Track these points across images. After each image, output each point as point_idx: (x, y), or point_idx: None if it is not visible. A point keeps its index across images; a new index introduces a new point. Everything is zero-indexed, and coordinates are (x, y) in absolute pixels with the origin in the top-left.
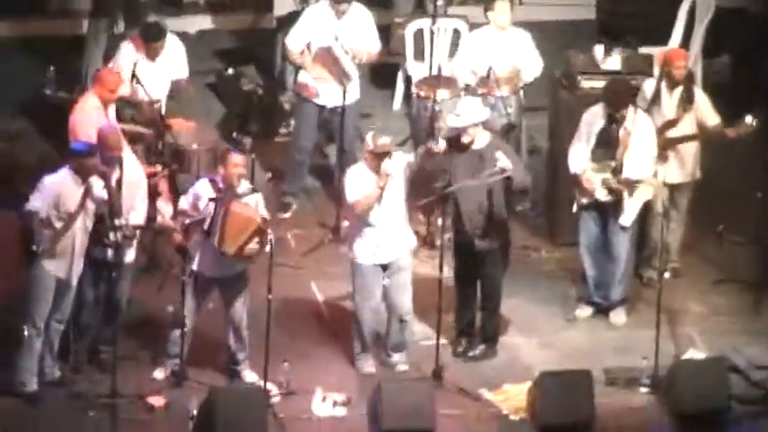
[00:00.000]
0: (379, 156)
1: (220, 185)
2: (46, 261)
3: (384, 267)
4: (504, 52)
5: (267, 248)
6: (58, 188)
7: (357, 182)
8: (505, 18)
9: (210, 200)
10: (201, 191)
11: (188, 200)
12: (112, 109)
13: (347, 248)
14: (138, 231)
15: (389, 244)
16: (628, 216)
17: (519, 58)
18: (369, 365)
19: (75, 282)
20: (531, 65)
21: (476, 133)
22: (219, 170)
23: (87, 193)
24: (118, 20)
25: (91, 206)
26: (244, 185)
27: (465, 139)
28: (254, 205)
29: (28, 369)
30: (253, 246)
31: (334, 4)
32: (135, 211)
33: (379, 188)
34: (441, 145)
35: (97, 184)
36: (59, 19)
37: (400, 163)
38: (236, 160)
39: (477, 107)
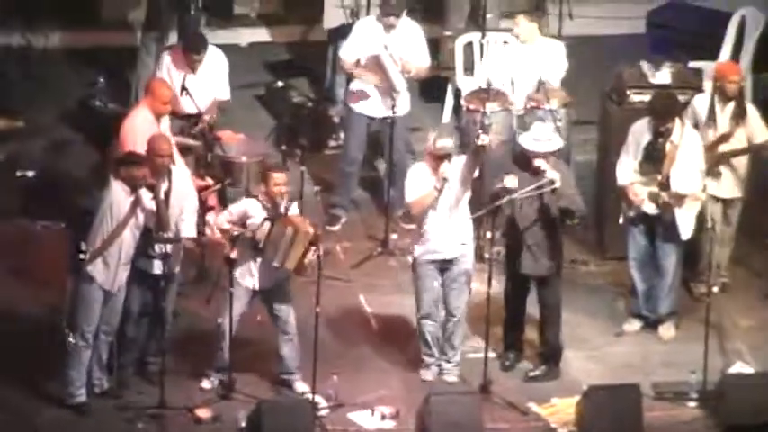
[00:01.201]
0: (439, 158)
1: (268, 204)
2: (94, 272)
3: (441, 270)
4: (527, 66)
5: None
6: (112, 200)
7: (416, 182)
8: (526, 33)
9: (266, 219)
10: (251, 209)
11: (232, 217)
12: (165, 121)
13: (406, 251)
14: (187, 243)
15: (446, 245)
16: (684, 229)
17: (543, 71)
18: (429, 373)
19: (119, 292)
20: (550, 74)
21: (549, 162)
22: (261, 188)
23: (137, 203)
24: (169, 32)
25: (140, 217)
26: (292, 208)
27: (538, 163)
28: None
29: (77, 380)
30: (310, 257)
31: (382, 17)
32: (185, 223)
33: (436, 191)
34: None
35: (146, 195)
36: (111, 30)
37: (458, 166)
38: (278, 179)
39: (554, 136)
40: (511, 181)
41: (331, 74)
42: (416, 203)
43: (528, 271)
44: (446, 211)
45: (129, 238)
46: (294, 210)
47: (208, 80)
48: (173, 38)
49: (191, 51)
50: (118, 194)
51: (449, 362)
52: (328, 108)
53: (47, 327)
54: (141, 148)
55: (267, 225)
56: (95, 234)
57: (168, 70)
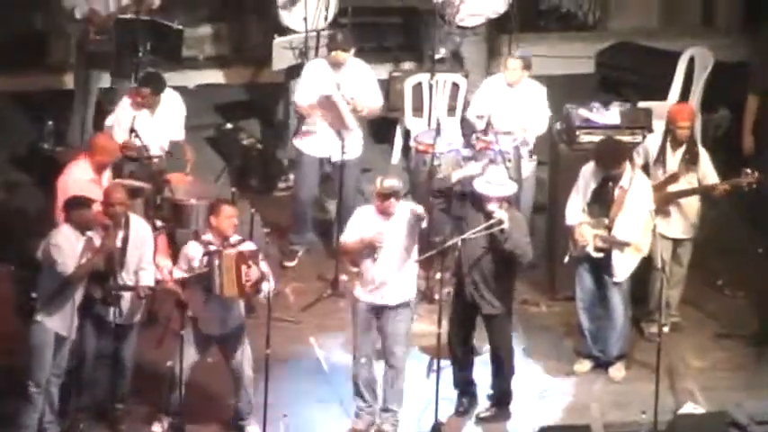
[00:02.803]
0: (385, 196)
1: (210, 240)
2: (45, 318)
3: (379, 316)
4: (510, 106)
5: (267, 285)
6: (59, 243)
7: (356, 225)
8: (513, 75)
9: (205, 254)
10: (192, 252)
11: (181, 267)
12: (107, 173)
13: (347, 295)
14: (145, 291)
15: (385, 289)
16: (620, 272)
17: (526, 113)
18: (360, 422)
19: (73, 336)
20: (536, 122)
21: (502, 206)
22: (212, 221)
23: (88, 246)
24: (104, 73)
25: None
26: (235, 237)
27: (491, 208)
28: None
29: (29, 426)
30: (247, 273)
31: (328, 53)
32: (144, 272)
33: (364, 245)
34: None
35: (97, 238)
36: (58, 73)
37: (404, 212)
38: (229, 212)
39: (507, 180)
40: (500, 212)
41: (282, 116)
42: (346, 246)
43: (475, 308)
44: (391, 259)
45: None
46: (248, 246)
47: (164, 122)
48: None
49: (151, 90)
50: (68, 238)
51: (387, 411)
52: (278, 149)
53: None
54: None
55: (205, 260)
56: (44, 279)
57: (124, 110)
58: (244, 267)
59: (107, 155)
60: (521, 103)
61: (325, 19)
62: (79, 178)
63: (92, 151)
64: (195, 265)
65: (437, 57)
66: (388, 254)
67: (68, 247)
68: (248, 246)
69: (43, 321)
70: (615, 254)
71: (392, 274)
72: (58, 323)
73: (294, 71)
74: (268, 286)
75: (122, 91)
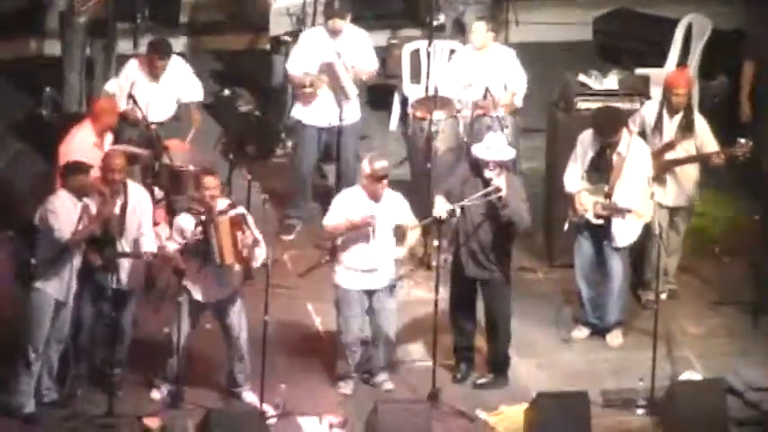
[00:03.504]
0: (378, 179)
1: (199, 209)
2: (44, 283)
3: (369, 293)
4: (485, 72)
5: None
6: (56, 208)
7: (341, 207)
8: (479, 38)
9: (198, 224)
10: (184, 223)
11: (175, 238)
12: (109, 137)
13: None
14: (147, 258)
15: (375, 272)
16: (622, 238)
17: (502, 77)
18: (347, 387)
19: (71, 301)
20: (515, 83)
21: (501, 171)
22: (196, 194)
23: (84, 211)
24: (116, 41)
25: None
26: (221, 203)
27: (488, 174)
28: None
29: (26, 391)
30: (243, 238)
31: (326, 20)
32: (144, 238)
33: (353, 227)
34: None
35: (94, 205)
36: (57, 39)
37: (391, 194)
38: (209, 183)
39: (506, 146)
40: (440, 208)
41: (279, 82)
42: (330, 228)
43: (473, 274)
44: (381, 242)
45: (77, 247)
46: (237, 212)
47: (170, 88)
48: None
49: (156, 56)
50: (64, 204)
51: (381, 374)
52: (276, 116)
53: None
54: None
55: (200, 230)
56: (42, 245)
57: (127, 77)
58: (239, 233)
59: (109, 117)
60: (491, 67)
61: None
62: (82, 141)
63: (94, 115)
64: (188, 236)
65: (436, 23)
66: (379, 237)
67: (65, 213)
68: (238, 211)
69: (42, 287)
70: (616, 220)
71: (382, 257)
72: (56, 289)
73: (281, 42)
74: (263, 253)
75: (112, 57)
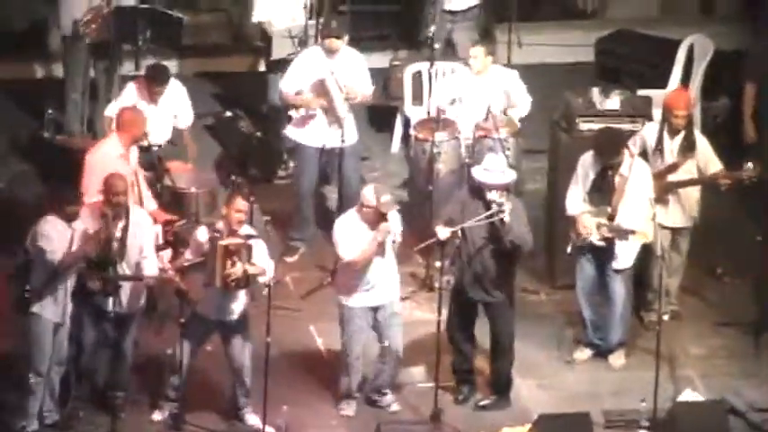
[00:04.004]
0: (383, 215)
1: (218, 227)
2: (40, 307)
3: (374, 313)
4: (484, 94)
5: (260, 277)
6: (44, 233)
7: (350, 236)
8: (478, 63)
9: (207, 241)
10: (201, 237)
11: (192, 251)
12: (134, 150)
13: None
14: (148, 281)
15: (380, 287)
16: (622, 260)
17: (502, 99)
18: (350, 409)
19: (68, 321)
20: (518, 103)
21: (500, 196)
22: (222, 210)
23: (77, 234)
24: (118, 62)
25: (76, 251)
26: (245, 230)
27: (490, 196)
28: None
29: (30, 413)
30: (230, 269)
31: (323, 40)
32: (146, 261)
33: (377, 244)
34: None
35: (85, 225)
36: (59, 61)
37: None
38: (240, 206)
39: (506, 168)
40: (442, 232)
41: (276, 105)
42: (358, 261)
43: (477, 297)
44: (383, 259)
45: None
46: (257, 243)
47: (168, 111)
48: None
49: (153, 82)
50: (53, 229)
51: (387, 394)
52: (277, 138)
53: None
54: (99, 177)
55: (207, 248)
56: (36, 269)
57: (126, 100)
58: (228, 263)
59: (136, 129)
60: (490, 90)
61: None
62: (107, 153)
63: (121, 126)
64: (201, 251)
65: (424, 38)
66: (380, 257)
67: (56, 236)
68: (256, 242)
69: (39, 312)
70: (617, 241)
71: (385, 273)
72: (53, 312)
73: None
74: (266, 275)
75: (115, 78)
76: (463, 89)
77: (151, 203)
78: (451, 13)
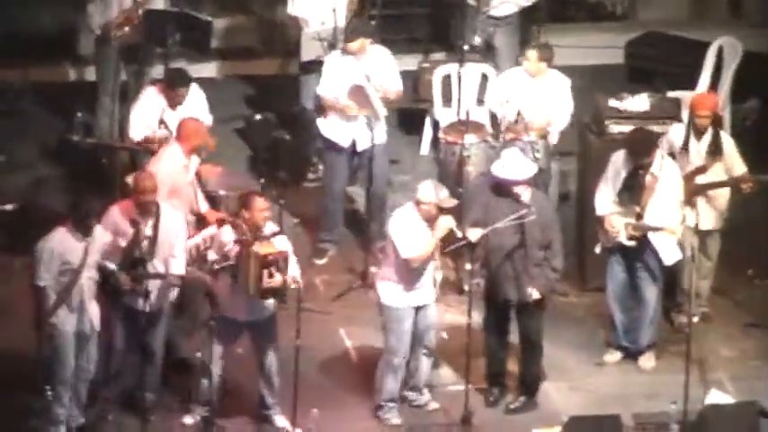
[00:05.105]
0: (442, 209)
1: (244, 228)
2: (57, 319)
3: (417, 309)
4: (534, 98)
5: (292, 284)
6: (54, 246)
7: (410, 234)
8: (531, 66)
9: (235, 242)
10: (225, 237)
11: (215, 250)
12: (195, 158)
13: (378, 294)
14: (174, 281)
15: (424, 286)
16: (666, 255)
17: (551, 104)
18: (396, 417)
19: (90, 328)
20: (561, 113)
21: (528, 191)
22: (244, 214)
23: (89, 247)
24: (147, 66)
25: (93, 259)
26: (269, 227)
27: (518, 190)
28: (278, 245)
29: (57, 420)
30: (268, 280)
31: (350, 46)
32: (175, 260)
33: (437, 241)
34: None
35: (119, 234)
36: (89, 65)
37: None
38: (261, 204)
39: (525, 162)
40: (473, 234)
41: (307, 108)
42: (417, 259)
43: (511, 297)
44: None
45: (87, 278)
46: (281, 240)
47: (187, 113)
48: (153, 71)
49: (174, 87)
50: (65, 242)
51: (421, 394)
52: (307, 141)
53: (31, 362)
54: (166, 186)
55: (236, 250)
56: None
57: (148, 103)
58: (265, 272)
59: (197, 139)
60: (545, 94)
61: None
62: (170, 163)
63: (182, 136)
64: (227, 250)
65: (466, 47)
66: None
67: (72, 250)
68: (281, 240)
69: (57, 322)
70: (655, 239)
71: (428, 273)
72: (69, 322)
73: (318, 63)
74: (296, 279)
75: (144, 81)
76: (518, 92)
77: (203, 205)
78: (494, 18)
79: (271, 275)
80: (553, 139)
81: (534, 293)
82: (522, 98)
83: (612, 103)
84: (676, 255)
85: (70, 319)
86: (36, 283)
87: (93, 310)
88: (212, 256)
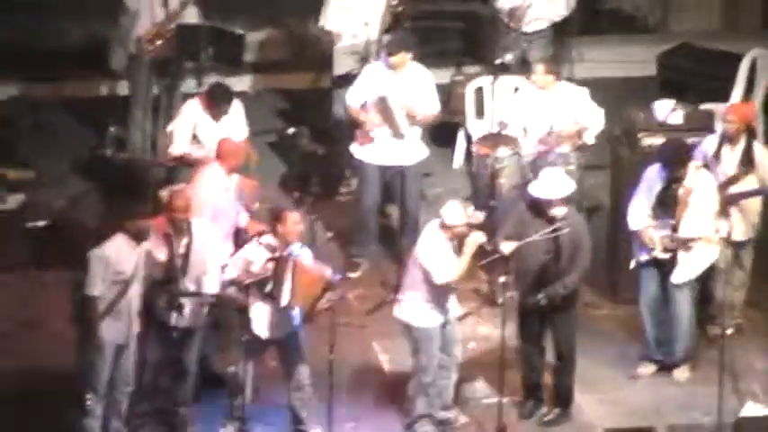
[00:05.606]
0: (471, 226)
1: (274, 245)
2: (103, 328)
3: (443, 325)
4: (548, 110)
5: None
6: (111, 255)
7: (441, 259)
8: (538, 79)
9: (270, 260)
10: (252, 255)
11: (237, 266)
12: (235, 177)
13: (405, 317)
14: (208, 299)
15: (449, 304)
16: (682, 273)
17: (569, 116)
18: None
19: (132, 344)
20: (589, 120)
21: (564, 209)
22: (278, 229)
23: (143, 256)
24: (180, 80)
25: (141, 271)
26: (296, 246)
27: (554, 212)
28: (310, 260)
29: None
30: (323, 303)
31: (387, 59)
32: (207, 276)
33: (469, 257)
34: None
35: (156, 249)
36: (120, 79)
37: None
38: (295, 218)
39: (563, 180)
40: (506, 247)
41: (339, 121)
42: (462, 276)
43: (536, 308)
44: None
45: (137, 289)
46: (307, 254)
47: (228, 128)
48: (184, 86)
49: (218, 102)
50: (121, 249)
51: (450, 411)
52: (340, 155)
53: (62, 378)
54: (209, 207)
55: (271, 266)
56: (97, 286)
57: (190, 116)
58: (325, 295)
59: (237, 158)
60: (556, 106)
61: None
62: (211, 183)
63: (222, 156)
64: (254, 270)
65: (498, 61)
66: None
67: (127, 258)
68: (307, 253)
69: (101, 333)
70: (682, 255)
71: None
72: (117, 333)
73: (350, 77)
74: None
75: (176, 95)
76: (529, 105)
77: (243, 217)
78: (527, 33)
79: (329, 300)
80: (590, 139)
81: (542, 300)
82: (534, 113)
83: (645, 115)
84: (690, 275)
85: (115, 330)
86: (88, 292)
87: (135, 325)
88: (234, 270)
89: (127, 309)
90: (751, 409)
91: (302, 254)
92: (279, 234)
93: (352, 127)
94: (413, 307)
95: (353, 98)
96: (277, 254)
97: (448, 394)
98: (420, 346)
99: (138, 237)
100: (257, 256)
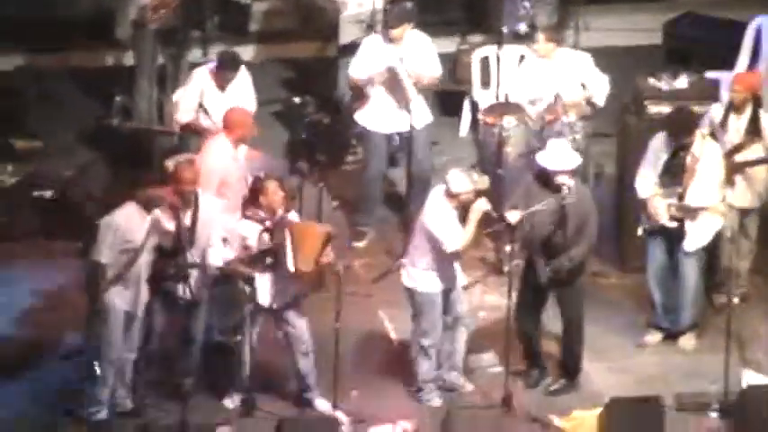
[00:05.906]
0: (479, 192)
1: (262, 216)
2: (112, 296)
3: (446, 293)
4: (551, 78)
5: (338, 267)
6: (121, 223)
7: (449, 227)
8: (539, 47)
9: (264, 231)
10: (244, 230)
11: (234, 246)
12: (243, 148)
13: (409, 282)
14: (212, 270)
15: (456, 271)
16: (692, 241)
17: (573, 82)
18: (437, 398)
19: (140, 312)
20: (594, 86)
21: (570, 180)
22: (261, 201)
23: (153, 224)
24: (186, 49)
25: (151, 240)
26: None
27: (559, 180)
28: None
29: (99, 399)
30: (326, 256)
31: (384, 30)
32: (211, 249)
33: (476, 225)
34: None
35: (164, 218)
36: (126, 49)
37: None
38: (274, 186)
39: (569, 153)
40: (512, 216)
41: (345, 90)
42: (465, 248)
43: (545, 280)
44: None
45: (146, 258)
46: (293, 216)
47: (234, 97)
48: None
49: (225, 69)
50: (131, 217)
51: (459, 375)
52: (346, 123)
53: (71, 346)
54: (217, 178)
55: (266, 237)
56: (107, 254)
57: (195, 86)
58: (327, 248)
59: (244, 129)
60: (559, 74)
61: None
62: (219, 154)
63: (229, 127)
64: (250, 244)
65: (505, 29)
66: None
67: (137, 226)
68: (294, 216)
69: (110, 300)
70: (689, 223)
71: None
72: (122, 300)
73: (347, 49)
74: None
75: (182, 65)
76: (533, 74)
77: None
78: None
79: (329, 249)
80: (600, 101)
81: (548, 275)
82: (538, 81)
83: (651, 84)
84: (703, 241)
85: (123, 298)
86: (96, 258)
87: (144, 294)
88: (231, 251)
89: (136, 277)
90: (751, 378)
91: (290, 217)
92: (263, 205)
93: (356, 97)
94: (418, 273)
95: (356, 70)
96: (268, 223)
97: (457, 359)
98: (423, 310)
99: (149, 206)
100: (249, 230)
